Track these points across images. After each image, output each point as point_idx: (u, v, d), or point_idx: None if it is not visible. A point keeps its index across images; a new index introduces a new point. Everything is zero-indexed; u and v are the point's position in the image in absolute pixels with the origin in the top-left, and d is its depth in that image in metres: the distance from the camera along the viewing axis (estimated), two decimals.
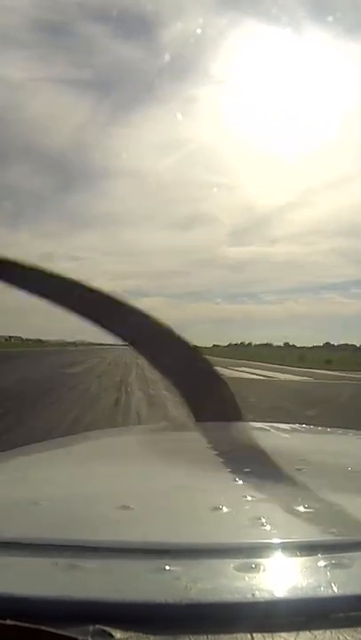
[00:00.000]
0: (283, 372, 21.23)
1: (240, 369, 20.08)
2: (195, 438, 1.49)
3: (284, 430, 1.67)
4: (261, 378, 18.22)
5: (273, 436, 1.54)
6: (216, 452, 1.16)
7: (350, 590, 0.50)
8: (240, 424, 1.65)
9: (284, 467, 1.00)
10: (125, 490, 0.86)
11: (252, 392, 10.13)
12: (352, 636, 0.46)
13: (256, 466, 0.99)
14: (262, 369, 22.08)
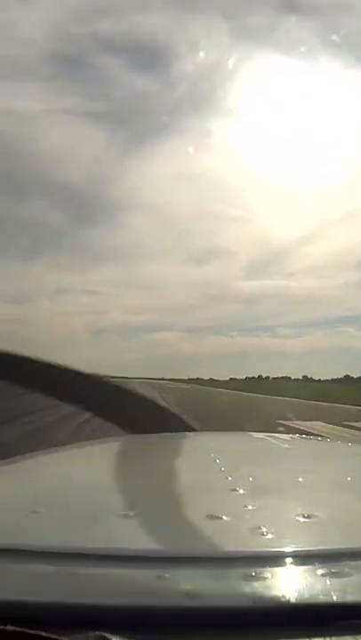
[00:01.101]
0: None
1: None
2: (195, 447, 1.50)
3: (285, 441, 1.66)
4: None
5: (274, 446, 1.55)
6: (216, 461, 1.16)
7: (350, 598, 0.50)
8: (241, 434, 1.85)
9: (285, 476, 1.04)
10: (126, 498, 0.86)
11: None
12: None
13: (257, 475, 1.00)
14: None
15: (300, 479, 0.98)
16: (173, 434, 1.72)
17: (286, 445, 1.56)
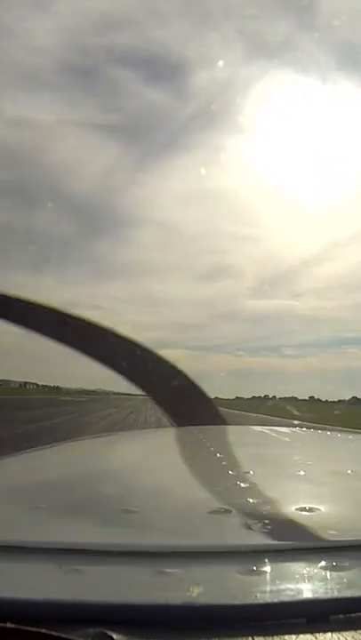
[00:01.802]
0: None
1: None
2: (196, 441, 1.47)
3: (286, 433, 1.64)
4: None
5: (275, 439, 1.53)
6: (218, 456, 1.16)
7: (351, 592, 0.50)
8: (242, 427, 1.98)
9: (286, 469, 1.03)
10: (126, 493, 0.86)
11: None
12: (353, 637, 0.46)
13: (258, 468, 1.00)
14: None
15: (302, 472, 0.98)
16: (173, 428, 1.69)
17: (287, 438, 1.54)
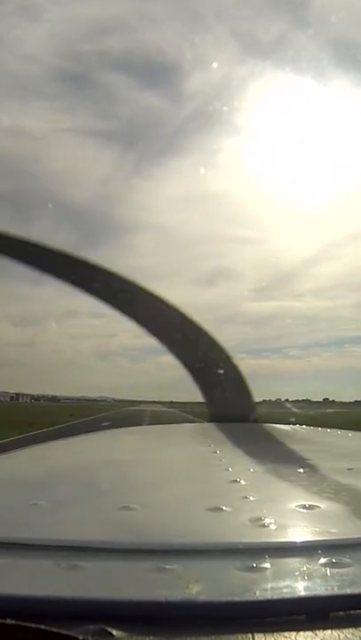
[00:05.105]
0: None
1: None
2: (195, 438, 1.50)
3: (286, 431, 1.66)
4: None
5: (274, 436, 1.56)
6: (217, 452, 1.17)
7: (351, 589, 0.51)
8: (242, 424, 1.76)
9: (285, 467, 1.02)
10: (126, 490, 0.87)
11: None
12: (353, 634, 0.46)
13: (258, 466, 1.01)
14: None
15: (301, 470, 0.99)
16: (173, 425, 1.74)
17: (287, 436, 1.56)
